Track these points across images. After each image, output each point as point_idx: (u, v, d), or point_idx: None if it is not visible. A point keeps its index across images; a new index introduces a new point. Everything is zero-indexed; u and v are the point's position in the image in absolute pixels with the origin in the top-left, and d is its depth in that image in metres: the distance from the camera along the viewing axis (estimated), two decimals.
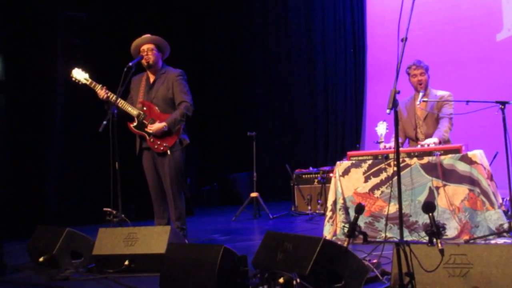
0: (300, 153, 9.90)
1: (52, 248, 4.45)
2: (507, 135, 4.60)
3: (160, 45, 5.21)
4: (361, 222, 4.74)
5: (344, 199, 4.92)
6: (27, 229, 5.52)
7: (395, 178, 3.14)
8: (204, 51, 10.85)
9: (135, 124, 5.07)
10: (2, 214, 6.96)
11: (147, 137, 5.05)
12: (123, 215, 4.85)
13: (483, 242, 4.25)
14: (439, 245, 2.73)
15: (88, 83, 5.04)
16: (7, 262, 4.63)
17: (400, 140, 5.20)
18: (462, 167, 4.47)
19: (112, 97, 4.94)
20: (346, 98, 9.55)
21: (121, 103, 5.00)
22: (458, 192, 4.46)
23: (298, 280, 3.00)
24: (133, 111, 5.05)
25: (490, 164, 4.94)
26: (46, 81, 7.71)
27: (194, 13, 10.62)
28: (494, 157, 5.76)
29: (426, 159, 4.61)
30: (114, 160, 4.82)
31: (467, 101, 4.83)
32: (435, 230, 2.74)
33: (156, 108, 5.08)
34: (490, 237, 4.31)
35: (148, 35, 5.20)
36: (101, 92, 4.98)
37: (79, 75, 5.07)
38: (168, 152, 5.03)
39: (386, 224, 4.66)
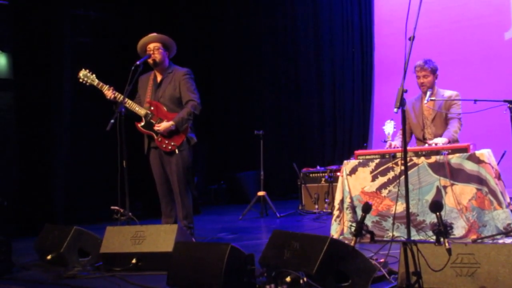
0: (307, 152, 9.87)
1: (59, 246, 4.47)
2: None
3: (167, 44, 5.20)
4: (368, 221, 4.73)
5: (351, 198, 4.91)
6: (35, 227, 5.56)
7: (403, 177, 3.13)
8: (211, 49, 10.83)
9: (142, 123, 5.08)
10: (10, 212, 7.00)
11: (155, 136, 5.05)
12: (130, 214, 4.87)
13: (490, 241, 4.23)
14: (447, 244, 2.72)
15: (95, 83, 5.04)
16: (15, 260, 4.66)
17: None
18: (469, 166, 4.45)
19: (120, 97, 4.94)
20: (354, 97, 9.51)
21: (129, 103, 5.00)
22: (465, 191, 4.45)
23: (305, 279, 3.01)
24: (141, 111, 5.06)
25: (498, 163, 4.91)
26: (54, 80, 7.73)
27: (202, 11, 10.61)
28: (502, 156, 5.73)
29: (433, 158, 4.59)
30: (121, 158, 4.83)
31: (475, 100, 4.80)
32: (443, 230, 2.73)
33: (164, 107, 5.08)
34: (498, 236, 4.30)
35: (154, 34, 5.19)
36: (108, 92, 4.99)
37: (86, 76, 5.07)
38: (176, 151, 5.03)
39: (393, 223, 4.65)
